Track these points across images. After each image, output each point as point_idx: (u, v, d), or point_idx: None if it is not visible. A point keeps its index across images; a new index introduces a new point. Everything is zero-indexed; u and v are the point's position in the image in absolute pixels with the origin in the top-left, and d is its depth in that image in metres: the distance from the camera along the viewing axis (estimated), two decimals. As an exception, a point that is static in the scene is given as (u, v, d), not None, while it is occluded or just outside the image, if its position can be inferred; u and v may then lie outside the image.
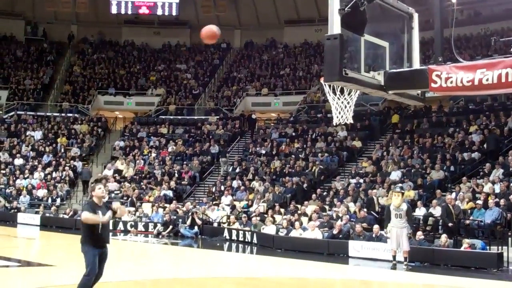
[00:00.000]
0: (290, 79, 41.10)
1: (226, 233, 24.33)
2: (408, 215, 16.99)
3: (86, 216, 9.24)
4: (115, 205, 9.76)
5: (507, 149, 24.79)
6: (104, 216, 9.29)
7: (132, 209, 27.97)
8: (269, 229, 22.61)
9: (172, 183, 30.68)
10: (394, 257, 16.99)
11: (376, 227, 19.67)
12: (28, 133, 37.99)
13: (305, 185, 27.34)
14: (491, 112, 28.40)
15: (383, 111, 33.65)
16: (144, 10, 46.76)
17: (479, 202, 20.43)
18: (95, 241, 9.33)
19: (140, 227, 26.54)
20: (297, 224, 21.70)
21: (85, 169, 34.66)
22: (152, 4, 46.38)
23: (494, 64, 7.58)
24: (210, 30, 9.37)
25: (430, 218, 20.92)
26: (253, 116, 37.97)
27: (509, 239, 18.83)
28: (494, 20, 36.23)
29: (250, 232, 23.08)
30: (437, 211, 20.83)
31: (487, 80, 7.55)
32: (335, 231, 20.41)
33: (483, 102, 29.88)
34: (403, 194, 17.53)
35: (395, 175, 25.67)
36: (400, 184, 20.21)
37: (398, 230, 16.70)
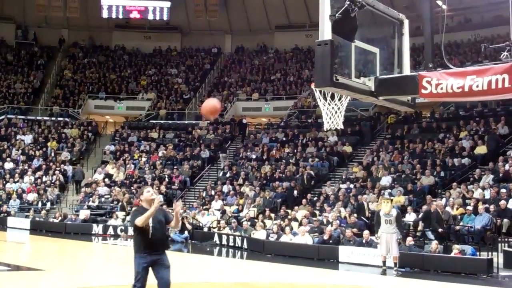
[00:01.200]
0: (280, 84, 41.15)
1: (216, 238, 24.31)
2: (398, 221, 17.09)
3: (139, 219, 8.47)
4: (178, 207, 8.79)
5: (497, 155, 24.88)
6: (153, 207, 8.38)
7: (123, 213, 27.97)
8: (259, 234, 22.60)
9: (163, 188, 30.65)
10: (384, 262, 17.02)
11: (366, 232, 19.69)
12: (18, 137, 37.85)
13: (295, 191, 27.35)
14: (481, 118, 28.51)
15: (374, 117, 33.74)
16: (135, 15, 46.72)
17: (469, 208, 20.50)
18: (145, 248, 8.67)
19: (130, 231, 26.42)
20: (287, 229, 21.72)
21: (78, 169, 34.84)
22: (143, 8, 46.34)
23: (484, 71, 7.61)
24: (211, 105, 8.95)
25: (420, 224, 20.96)
26: (244, 121, 38.00)
27: (499, 245, 18.89)
28: (484, 27, 36.47)
29: (240, 237, 23.07)
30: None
31: (477, 86, 7.58)
32: (325, 237, 20.42)
33: (473, 108, 30.01)
34: (392, 200, 17.60)
35: (386, 180, 25.71)
36: (389, 190, 20.21)
37: (388, 235, 16.78)
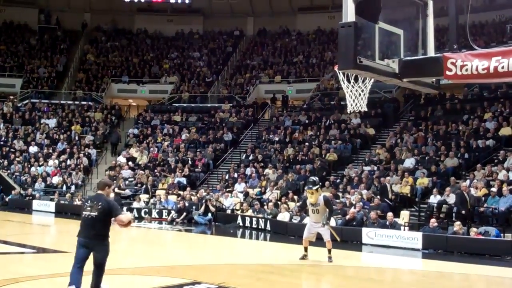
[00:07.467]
0: (303, 67, 41.02)
1: (239, 220, 24.44)
2: (328, 207, 15.52)
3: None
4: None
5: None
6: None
7: (146, 196, 28.27)
8: (282, 216, 22.67)
9: (186, 170, 30.81)
10: (305, 248, 15.66)
11: (389, 214, 19.71)
12: (42, 121, 38.23)
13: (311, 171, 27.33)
14: (506, 99, 28.23)
15: (397, 98, 33.50)
16: (157, -2, 46.82)
17: (493, 189, 20.40)
18: None
19: (154, 214, 26.68)
20: (310, 211, 21.72)
21: (115, 133, 35.93)
22: (165, -9, 46.43)
23: (509, 52, 7.54)
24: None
25: (444, 206, 20.91)
26: (287, 93, 38.57)
27: (523, 226, 18.82)
28: (509, 7, 35.94)
29: (263, 219, 23.16)
30: (451, 198, 20.81)
31: (502, 67, 7.51)
32: (348, 217, 20.45)
33: (498, 89, 29.70)
34: (317, 190, 15.50)
35: (409, 162, 25.63)
36: (313, 179, 16.36)
37: (313, 223, 15.62)
